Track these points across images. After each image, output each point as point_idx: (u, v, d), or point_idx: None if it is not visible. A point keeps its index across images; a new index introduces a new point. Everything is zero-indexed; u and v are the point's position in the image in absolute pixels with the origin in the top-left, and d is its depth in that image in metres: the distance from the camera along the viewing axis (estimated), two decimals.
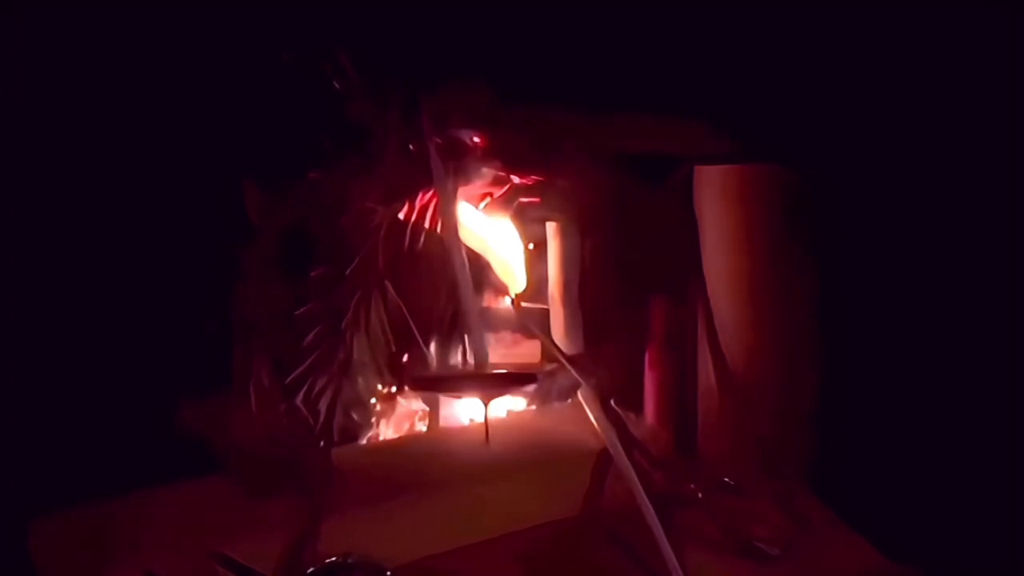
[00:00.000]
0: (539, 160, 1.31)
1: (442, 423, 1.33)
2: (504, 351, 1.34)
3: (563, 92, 1.26)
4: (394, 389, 1.30)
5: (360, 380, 1.23)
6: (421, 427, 1.33)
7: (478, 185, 1.33)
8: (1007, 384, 1.23)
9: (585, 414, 1.18)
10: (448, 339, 1.28)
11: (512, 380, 1.26)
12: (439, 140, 1.24)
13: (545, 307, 1.39)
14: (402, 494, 1.11)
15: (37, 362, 1.24)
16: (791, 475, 1.24)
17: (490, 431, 1.20)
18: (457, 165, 1.27)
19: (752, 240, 1.29)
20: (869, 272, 1.28)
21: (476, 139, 1.29)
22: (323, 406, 1.20)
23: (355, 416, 1.25)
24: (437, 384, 1.29)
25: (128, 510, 1.10)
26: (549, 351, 1.32)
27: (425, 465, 1.18)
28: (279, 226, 1.22)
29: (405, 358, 1.28)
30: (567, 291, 1.39)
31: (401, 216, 1.27)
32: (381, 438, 1.30)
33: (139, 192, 1.26)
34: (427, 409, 1.33)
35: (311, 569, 0.99)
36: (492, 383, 1.23)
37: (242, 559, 0.98)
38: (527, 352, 1.36)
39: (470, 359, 1.24)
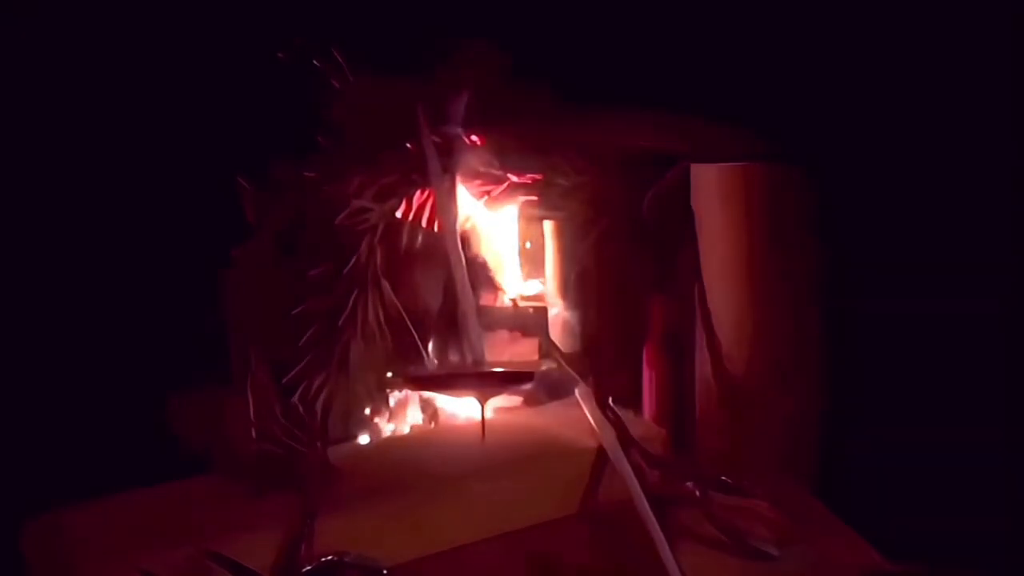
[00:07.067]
0: (537, 158, 1.31)
1: (440, 422, 1.33)
2: (501, 350, 1.34)
3: (562, 88, 1.26)
4: (391, 388, 1.30)
5: (357, 379, 1.23)
6: (419, 426, 1.33)
7: (476, 183, 1.33)
8: (1008, 380, 1.23)
9: (583, 413, 1.18)
10: (445, 337, 1.28)
11: (509, 378, 1.26)
12: (436, 138, 1.24)
13: (543, 306, 1.39)
14: (399, 493, 1.10)
15: (33, 362, 1.24)
16: (791, 475, 1.24)
17: (487, 430, 1.20)
18: (454, 163, 1.27)
19: (750, 239, 1.29)
20: (870, 270, 1.28)
21: (474, 137, 1.29)
22: (320, 405, 1.20)
23: (352, 414, 1.25)
24: (434, 382, 1.29)
25: (124, 509, 1.10)
26: (547, 350, 1.32)
27: (422, 464, 1.17)
28: (276, 225, 1.22)
29: (402, 357, 1.27)
30: (566, 290, 1.39)
31: (398, 214, 1.27)
32: (378, 437, 1.30)
33: (135, 191, 1.26)
34: (425, 408, 1.33)
35: (307, 568, 0.99)
36: (489, 381, 1.23)
37: (238, 558, 0.98)
38: (525, 351, 1.36)
39: (467, 357, 1.23)
